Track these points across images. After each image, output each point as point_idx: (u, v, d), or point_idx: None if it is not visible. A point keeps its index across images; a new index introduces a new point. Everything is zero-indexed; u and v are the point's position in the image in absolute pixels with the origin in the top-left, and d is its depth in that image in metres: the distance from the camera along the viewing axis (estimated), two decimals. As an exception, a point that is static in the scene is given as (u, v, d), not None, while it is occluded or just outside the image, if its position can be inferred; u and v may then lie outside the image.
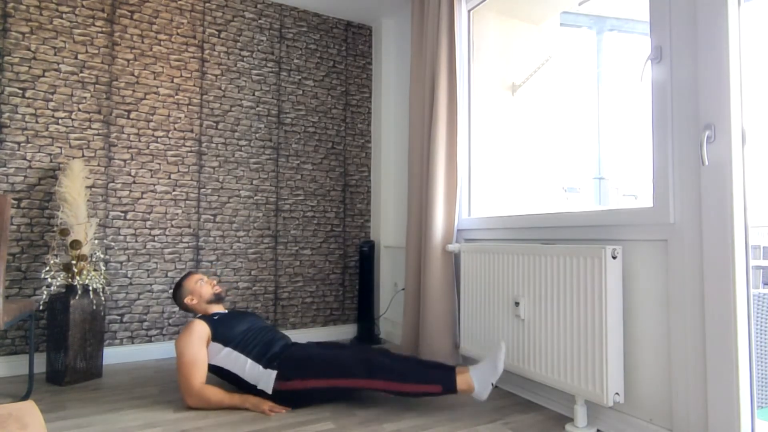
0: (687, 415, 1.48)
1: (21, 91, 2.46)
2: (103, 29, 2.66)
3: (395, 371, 1.84)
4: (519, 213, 2.25)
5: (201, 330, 1.97)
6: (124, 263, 2.66)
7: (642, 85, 1.65)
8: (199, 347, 1.94)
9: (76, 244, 2.30)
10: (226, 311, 2.17)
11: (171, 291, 2.76)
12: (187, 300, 2.15)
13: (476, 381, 1.82)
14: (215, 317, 2.06)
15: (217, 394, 1.90)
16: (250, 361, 1.96)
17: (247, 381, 1.94)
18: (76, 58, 2.58)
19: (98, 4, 2.65)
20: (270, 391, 1.89)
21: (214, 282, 2.23)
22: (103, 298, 2.39)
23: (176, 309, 2.77)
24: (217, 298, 2.18)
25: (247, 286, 3.00)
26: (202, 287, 2.17)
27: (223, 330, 2.01)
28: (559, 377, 1.77)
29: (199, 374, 1.91)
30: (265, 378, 1.91)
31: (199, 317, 2.06)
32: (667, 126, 1.56)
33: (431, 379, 1.84)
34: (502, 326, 2.06)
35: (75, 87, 2.58)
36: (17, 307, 1.93)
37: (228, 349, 1.98)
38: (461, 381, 1.82)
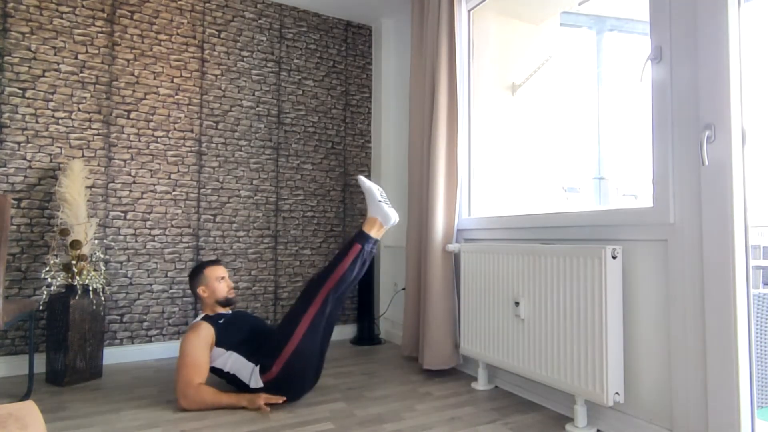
0: (687, 415, 1.48)
1: (21, 91, 2.46)
2: (103, 29, 2.66)
3: (325, 271, 2.00)
4: (519, 213, 2.25)
5: (207, 334, 1.99)
6: (124, 263, 2.66)
7: (642, 85, 1.65)
8: (204, 350, 1.95)
9: (76, 244, 2.30)
10: (230, 313, 2.16)
11: (171, 291, 2.76)
12: (200, 290, 2.15)
13: (375, 215, 2.08)
14: (220, 321, 2.06)
15: (212, 394, 1.90)
16: (243, 360, 1.98)
17: (243, 380, 1.97)
18: (76, 58, 2.58)
19: (98, 4, 2.65)
20: (262, 385, 1.93)
21: (232, 285, 2.22)
22: (103, 298, 2.39)
23: (176, 309, 2.77)
24: (227, 302, 2.18)
25: (247, 286, 3.00)
26: (220, 285, 2.16)
27: (226, 336, 2.03)
28: (559, 377, 1.77)
29: (199, 377, 1.91)
30: (255, 375, 1.95)
31: (205, 319, 2.06)
32: (667, 126, 1.56)
33: (349, 246, 2.03)
34: (502, 326, 2.06)
35: (75, 87, 2.58)
36: (17, 307, 1.93)
37: (228, 353, 2.00)
38: (367, 226, 2.07)
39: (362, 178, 2.20)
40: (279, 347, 1.93)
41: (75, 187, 2.36)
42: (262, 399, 1.89)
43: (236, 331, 2.06)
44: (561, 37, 3.08)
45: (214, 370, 2.00)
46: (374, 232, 2.08)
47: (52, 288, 2.43)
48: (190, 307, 2.82)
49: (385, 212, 2.10)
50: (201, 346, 1.94)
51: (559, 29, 3.07)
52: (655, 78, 1.60)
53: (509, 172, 2.74)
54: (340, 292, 2.00)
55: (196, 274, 2.17)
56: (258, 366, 1.94)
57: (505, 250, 2.05)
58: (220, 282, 2.16)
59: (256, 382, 1.94)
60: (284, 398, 1.92)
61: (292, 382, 1.95)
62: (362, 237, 2.06)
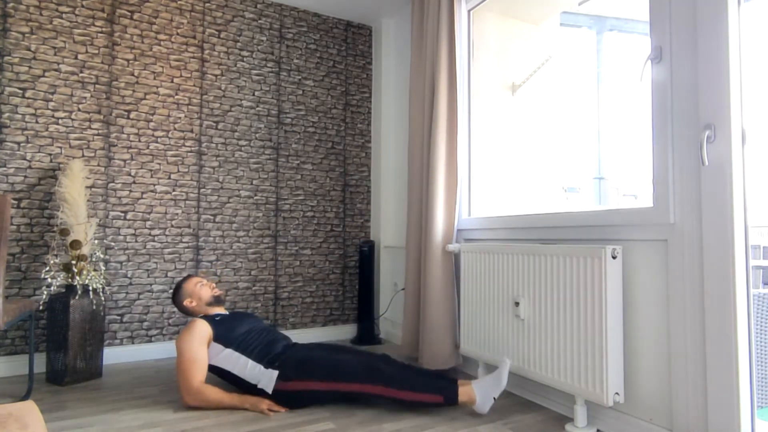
0: (687, 415, 1.48)
1: (21, 91, 2.46)
2: (103, 29, 2.66)
3: (396, 378, 1.84)
4: (519, 213, 2.25)
5: (203, 330, 1.97)
6: (124, 263, 2.66)
7: (642, 85, 1.65)
8: (200, 346, 1.94)
9: (76, 244, 2.30)
10: (227, 312, 2.17)
11: (171, 291, 2.76)
12: (186, 302, 2.15)
13: (478, 393, 1.82)
14: (217, 318, 2.06)
15: (215, 393, 1.90)
16: (251, 361, 1.96)
17: (247, 381, 1.94)
18: (76, 58, 2.58)
19: (98, 4, 2.65)
20: (270, 391, 1.90)
21: (214, 284, 2.23)
22: (103, 298, 2.39)
23: (176, 309, 2.77)
24: (217, 301, 2.18)
25: (247, 286, 3.00)
26: (202, 290, 2.17)
27: (224, 331, 2.01)
28: (559, 377, 1.77)
29: (198, 373, 1.91)
30: (266, 378, 1.92)
31: (201, 317, 2.06)
32: (667, 126, 1.56)
33: (433, 388, 1.83)
34: (502, 326, 2.06)
35: (75, 87, 2.58)
36: (17, 307, 1.93)
37: (229, 350, 1.98)
38: (463, 393, 1.82)
39: (506, 371, 1.85)
40: (310, 370, 1.89)
41: (75, 187, 2.36)
42: (266, 405, 1.88)
43: (235, 326, 2.05)
44: (561, 37, 3.08)
45: (214, 369, 1.99)
46: (460, 400, 1.83)
47: (52, 288, 2.43)
48: (190, 307, 2.82)
49: (486, 404, 1.84)
50: (196, 342, 1.93)
51: (559, 29, 3.07)
52: (655, 78, 1.60)
53: (509, 172, 2.74)
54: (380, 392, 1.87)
55: (176, 293, 2.18)
56: (277, 372, 1.91)
57: (505, 250, 2.05)
58: (201, 287, 2.17)
59: (267, 385, 1.90)
60: (287, 408, 1.91)
61: (305, 405, 1.94)
62: (452, 395, 1.82)
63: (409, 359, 2.69)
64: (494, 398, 1.83)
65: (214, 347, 1.98)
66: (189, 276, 2.23)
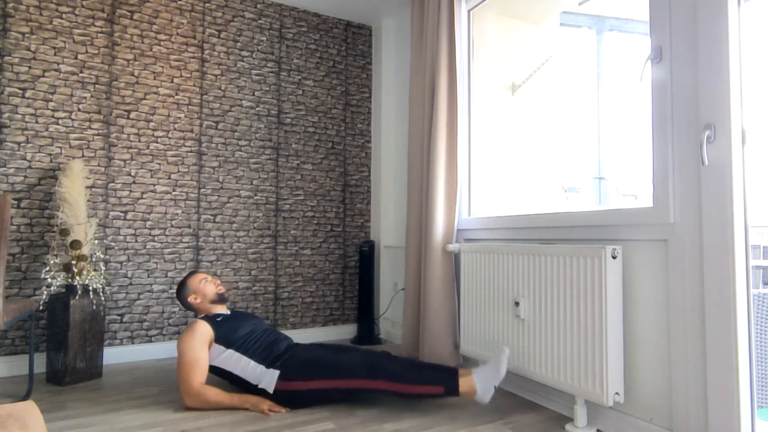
0: (687, 415, 1.48)
1: (21, 91, 2.46)
2: (103, 29, 2.66)
3: (397, 372, 1.85)
4: (519, 213, 2.25)
5: (204, 331, 1.97)
6: (124, 263, 2.66)
7: (642, 85, 1.65)
8: (201, 347, 1.94)
9: (76, 244, 2.30)
10: (229, 312, 2.17)
11: (171, 291, 2.77)
12: (191, 299, 2.15)
13: (479, 383, 1.82)
14: (218, 318, 2.06)
15: (216, 394, 1.90)
16: (252, 362, 1.96)
17: (248, 381, 1.95)
18: (76, 58, 2.58)
19: (98, 4, 2.65)
20: (271, 390, 1.90)
21: (218, 282, 2.23)
22: (103, 298, 2.39)
23: (176, 309, 2.77)
24: (221, 299, 2.18)
25: (247, 286, 3.00)
26: (206, 286, 2.17)
27: (225, 332, 2.01)
28: (559, 377, 1.77)
29: (199, 375, 1.91)
30: (267, 377, 1.92)
31: (202, 318, 2.06)
32: (667, 126, 1.56)
33: (433, 380, 1.84)
34: (502, 326, 2.06)
35: (75, 87, 2.58)
36: (17, 307, 1.93)
37: (230, 351, 1.98)
38: (463, 383, 1.83)
39: (506, 359, 1.87)
40: (312, 370, 1.90)
41: (75, 187, 2.36)
42: (266, 405, 1.88)
43: (236, 327, 2.05)
44: (561, 37, 3.08)
45: (215, 370, 1.99)
46: (461, 390, 1.84)
47: (52, 288, 2.43)
48: (190, 307, 2.82)
49: (488, 394, 1.83)
50: (197, 344, 1.93)
51: (559, 29, 3.06)
52: (655, 78, 1.60)
53: (509, 172, 2.74)
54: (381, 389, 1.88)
55: (181, 288, 2.18)
56: (278, 371, 1.91)
57: (505, 250, 2.05)
58: (205, 284, 2.17)
59: (269, 384, 1.90)
60: (288, 408, 1.91)
61: (307, 405, 1.94)
62: (452, 387, 1.83)
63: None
64: (495, 387, 1.83)
65: (215, 348, 1.98)
66: (194, 272, 2.22)
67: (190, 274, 2.21)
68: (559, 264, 1.79)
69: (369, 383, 1.85)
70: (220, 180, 2.94)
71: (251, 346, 2.01)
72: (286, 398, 1.90)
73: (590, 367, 1.65)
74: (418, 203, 2.66)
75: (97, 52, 2.64)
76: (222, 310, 2.18)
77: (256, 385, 1.93)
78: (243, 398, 1.91)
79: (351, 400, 2.01)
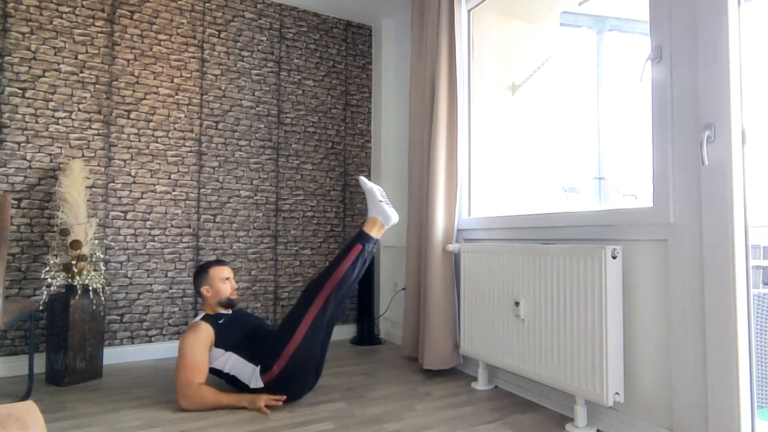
0: (687, 415, 1.48)
1: (21, 91, 2.46)
2: (103, 29, 2.66)
3: (323, 277, 2.00)
4: (519, 213, 2.25)
5: (206, 334, 1.98)
6: (124, 263, 2.66)
7: (642, 85, 1.65)
8: (203, 350, 1.95)
9: (76, 244, 2.30)
10: (230, 313, 2.16)
11: (171, 291, 2.76)
12: (203, 289, 2.14)
13: (377, 215, 2.11)
14: (220, 321, 2.06)
15: (213, 395, 1.90)
16: (243, 361, 1.99)
17: (243, 381, 1.98)
18: (76, 58, 2.58)
19: (98, 4, 2.65)
20: (262, 385, 1.93)
21: (236, 286, 2.22)
22: (103, 298, 2.39)
23: (176, 309, 2.77)
24: (229, 304, 2.17)
25: (247, 286, 3.00)
26: (224, 287, 2.15)
27: (226, 336, 2.02)
28: (559, 377, 1.77)
29: (198, 378, 1.91)
30: (255, 376, 1.95)
31: (205, 319, 2.05)
32: (667, 126, 1.56)
33: (350, 248, 2.05)
34: (502, 326, 2.06)
35: (75, 87, 2.58)
36: (17, 307, 1.93)
37: (228, 354, 2.00)
38: (368, 227, 2.10)
39: (363, 179, 2.23)
40: (280, 347, 1.94)
41: (75, 187, 2.36)
42: (263, 400, 1.89)
43: (236, 331, 2.06)
44: (561, 37, 3.08)
45: (213, 371, 2.00)
46: (375, 232, 2.10)
47: (52, 288, 2.43)
48: (190, 307, 2.82)
49: (385, 212, 2.12)
50: (200, 347, 1.94)
51: (559, 29, 3.06)
52: (655, 78, 1.60)
53: (509, 172, 2.74)
54: (341, 292, 2.01)
55: (201, 273, 2.16)
56: (259, 366, 1.95)
57: (505, 250, 2.05)
58: (224, 283, 2.15)
59: (257, 382, 1.94)
60: (284, 398, 1.93)
61: (292, 382, 1.95)
62: (363, 237, 2.08)
63: (409, 359, 2.69)
64: (387, 203, 2.13)
65: (214, 351, 2.00)
66: (220, 262, 2.21)
67: (218, 262, 2.20)
68: (559, 264, 1.79)
69: (318, 306, 1.96)
70: (220, 180, 2.94)
71: (247, 347, 2.02)
72: (275, 387, 1.93)
73: (590, 367, 1.65)
74: (418, 203, 2.66)
75: (97, 52, 2.64)
76: (225, 311, 2.18)
77: (248, 385, 1.96)
78: (239, 397, 1.92)
79: (350, 399, 2.01)
